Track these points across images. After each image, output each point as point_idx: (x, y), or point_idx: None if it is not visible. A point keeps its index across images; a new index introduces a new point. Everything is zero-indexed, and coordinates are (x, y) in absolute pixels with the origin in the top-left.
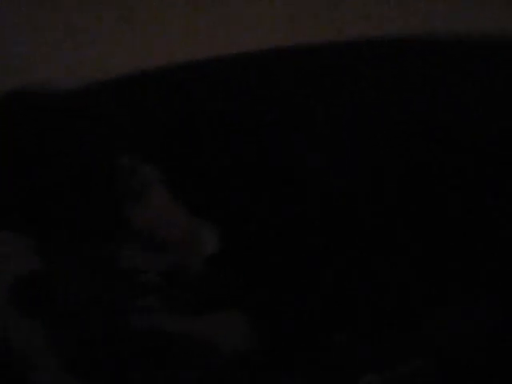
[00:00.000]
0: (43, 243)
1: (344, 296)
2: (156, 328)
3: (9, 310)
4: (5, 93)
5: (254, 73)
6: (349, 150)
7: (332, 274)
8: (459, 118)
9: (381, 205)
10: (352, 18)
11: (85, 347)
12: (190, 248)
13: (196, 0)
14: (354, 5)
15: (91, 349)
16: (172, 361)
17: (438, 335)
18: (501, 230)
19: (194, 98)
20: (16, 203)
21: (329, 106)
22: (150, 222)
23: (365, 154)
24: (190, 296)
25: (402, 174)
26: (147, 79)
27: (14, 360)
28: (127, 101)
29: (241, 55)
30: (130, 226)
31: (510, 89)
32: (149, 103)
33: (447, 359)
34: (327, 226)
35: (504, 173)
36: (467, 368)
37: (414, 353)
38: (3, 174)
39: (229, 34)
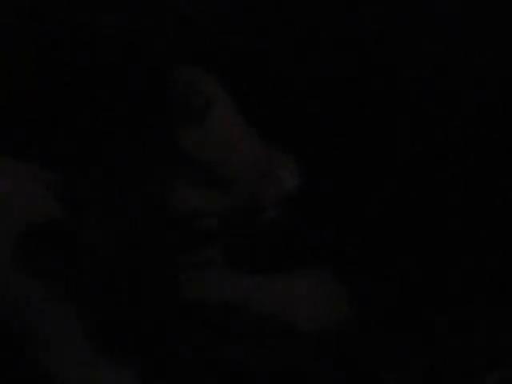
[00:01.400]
0: (66, 179)
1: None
2: (213, 293)
3: (15, 270)
4: None
5: None
6: None
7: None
8: None
9: None
10: None
11: (117, 323)
12: (263, 185)
13: None
14: None
15: (126, 325)
16: (234, 340)
17: None
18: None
19: None
20: (31, 121)
21: None
22: (212, 151)
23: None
24: (260, 249)
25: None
26: None
27: (21, 336)
28: None
29: None
30: (185, 156)
31: None
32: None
33: None
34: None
35: None
36: None
37: None
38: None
39: None
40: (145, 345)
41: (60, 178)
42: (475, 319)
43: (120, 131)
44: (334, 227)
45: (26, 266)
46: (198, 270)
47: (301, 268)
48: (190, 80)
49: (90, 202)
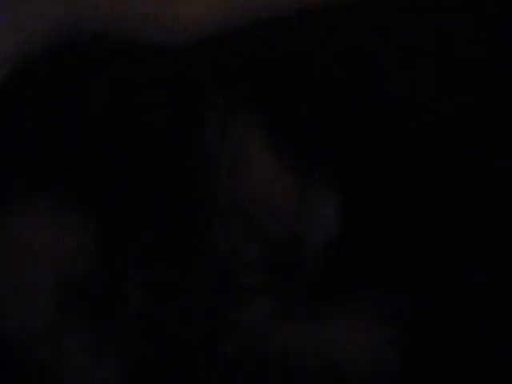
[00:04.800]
0: (102, 230)
1: None
2: (257, 344)
3: (57, 324)
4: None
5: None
6: None
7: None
8: None
9: None
10: None
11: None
12: (306, 229)
13: None
14: None
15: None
16: None
17: None
18: None
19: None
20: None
21: None
22: (250, 201)
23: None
24: (308, 295)
25: None
26: None
27: None
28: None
29: None
30: (223, 208)
31: None
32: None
33: None
34: None
35: None
36: None
37: None
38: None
39: None
40: None
41: (95, 229)
42: None
43: (154, 182)
44: (378, 269)
45: (63, 321)
46: (243, 324)
47: (346, 314)
48: (231, 131)
49: (126, 254)
